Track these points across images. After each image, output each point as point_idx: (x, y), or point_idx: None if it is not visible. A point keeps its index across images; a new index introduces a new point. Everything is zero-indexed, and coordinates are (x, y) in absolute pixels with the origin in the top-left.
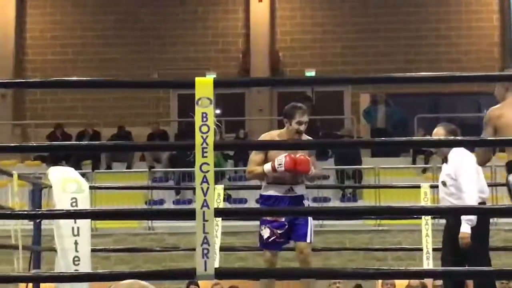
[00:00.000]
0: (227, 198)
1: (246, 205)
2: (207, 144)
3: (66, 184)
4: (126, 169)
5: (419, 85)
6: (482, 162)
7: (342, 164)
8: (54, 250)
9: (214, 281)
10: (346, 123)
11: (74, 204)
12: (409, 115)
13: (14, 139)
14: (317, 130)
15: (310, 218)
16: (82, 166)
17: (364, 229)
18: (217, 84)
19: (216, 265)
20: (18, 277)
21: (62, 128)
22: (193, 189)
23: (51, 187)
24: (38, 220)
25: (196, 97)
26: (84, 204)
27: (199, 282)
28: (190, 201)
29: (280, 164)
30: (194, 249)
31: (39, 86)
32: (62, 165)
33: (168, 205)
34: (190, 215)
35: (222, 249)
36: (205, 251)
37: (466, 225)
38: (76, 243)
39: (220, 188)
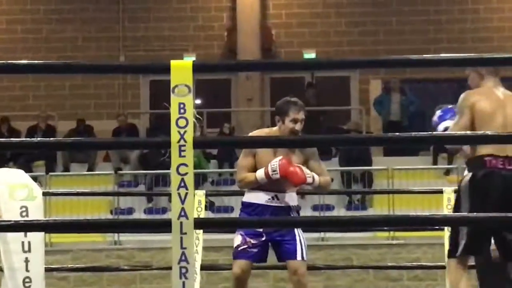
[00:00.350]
0: (210, 206)
1: (232, 215)
2: (185, 141)
3: (14, 190)
4: (87, 171)
5: (440, 69)
6: None
7: (349, 165)
8: (0, 269)
9: None
10: (353, 115)
11: (24, 214)
12: (428, 105)
13: None
14: (319, 124)
15: (298, 233)
16: (33, 168)
17: (374, 243)
18: (197, 68)
19: (197, 287)
20: None
21: (9, 122)
22: (168, 195)
23: None
24: None
25: (172, 84)
26: (36, 213)
27: None
28: (164, 210)
29: (274, 171)
30: (169, 268)
31: None
32: (9, 167)
33: (139, 215)
34: (164, 227)
35: (203, 267)
36: (183, 270)
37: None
38: (26, 260)
39: (201, 194)
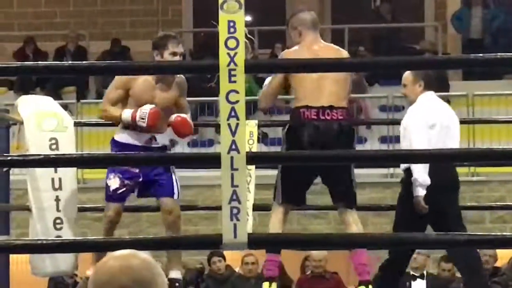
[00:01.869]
0: (262, 139)
1: None
2: (235, 65)
3: (43, 120)
4: None
5: None
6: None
7: None
8: (27, 209)
9: (246, 250)
10: (427, 34)
11: (54, 146)
12: None
13: None
14: (397, 42)
15: (173, 172)
16: (62, 94)
17: None
18: None
19: (249, 230)
20: None
21: (34, 42)
22: (216, 126)
23: (22, 123)
24: (5, 169)
25: None
26: (67, 146)
27: (225, 252)
28: (211, 143)
29: (142, 119)
30: (217, 208)
31: None
32: (37, 94)
33: (182, 148)
34: (213, 162)
35: (256, 208)
36: (235, 211)
37: (416, 188)
38: (57, 199)
39: (252, 124)
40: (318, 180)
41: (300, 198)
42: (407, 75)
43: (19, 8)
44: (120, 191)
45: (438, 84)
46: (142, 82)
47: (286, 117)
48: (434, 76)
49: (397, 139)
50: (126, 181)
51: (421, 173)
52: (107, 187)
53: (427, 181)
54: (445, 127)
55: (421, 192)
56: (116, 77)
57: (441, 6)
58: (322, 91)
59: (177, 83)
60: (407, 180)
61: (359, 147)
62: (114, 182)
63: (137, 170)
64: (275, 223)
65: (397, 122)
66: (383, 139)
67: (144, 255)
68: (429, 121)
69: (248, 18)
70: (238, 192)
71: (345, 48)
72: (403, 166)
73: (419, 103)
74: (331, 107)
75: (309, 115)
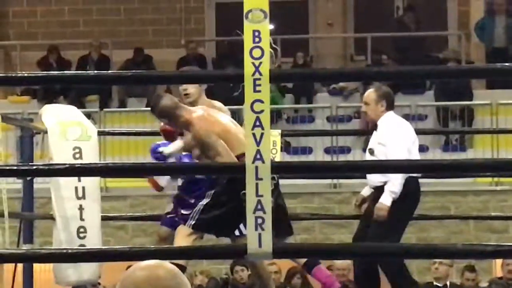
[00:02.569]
0: (285, 148)
1: (310, 157)
2: (260, 74)
3: (66, 129)
4: (146, 107)
5: None
6: None
7: (446, 99)
8: (51, 218)
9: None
10: (451, 42)
11: (77, 155)
12: None
13: None
14: (420, 51)
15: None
16: (86, 103)
17: (475, 189)
18: None
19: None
20: (3, 254)
21: (58, 51)
22: None
23: (46, 132)
24: (29, 178)
25: (245, 9)
26: (91, 155)
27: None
28: None
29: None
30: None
31: None
32: (60, 103)
33: None
34: (237, 171)
35: None
36: (260, 221)
37: (388, 197)
38: (81, 208)
39: (276, 133)
40: (341, 189)
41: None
42: (370, 94)
43: (42, 17)
44: (171, 215)
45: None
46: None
47: (310, 126)
48: (393, 98)
49: (420, 148)
50: (180, 210)
51: (399, 186)
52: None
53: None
54: (417, 142)
55: (390, 203)
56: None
57: (464, 15)
58: None
59: None
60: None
61: None
62: (169, 207)
63: (192, 201)
64: None
65: (421, 132)
66: None
67: (170, 265)
68: (411, 137)
69: (271, 27)
70: (263, 202)
71: (368, 57)
72: (382, 179)
73: (393, 121)
74: None
75: None
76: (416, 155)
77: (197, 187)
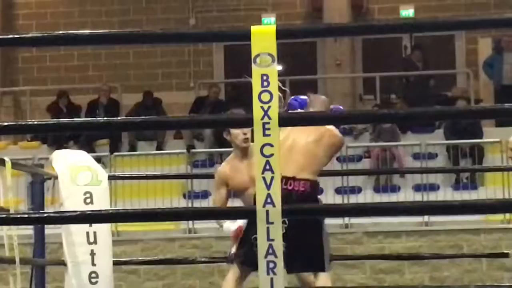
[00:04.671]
0: None
1: (322, 197)
2: (269, 118)
3: (77, 174)
4: (156, 150)
5: None
6: None
7: (456, 137)
8: (63, 263)
9: None
10: (459, 80)
11: (88, 200)
12: None
13: (2, 113)
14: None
15: None
16: (96, 147)
17: (487, 227)
18: (281, 34)
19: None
20: None
21: (68, 96)
22: None
23: (56, 177)
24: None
25: (253, 53)
26: (101, 200)
27: None
28: None
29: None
30: None
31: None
32: (70, 147)
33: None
34: (248, 215)
35: None
36: (271, 265)
37: None
38: (92, 253)
39: None
40: (353, 229)
41: None
42: None
43: (52, 62)
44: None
45: None
46: (237, 175)
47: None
48: None
49: (431, 187)
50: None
51: None
52: None
53: None
54: None
55: None
56: (216, 177)
57: (472, 52)
58: (288, 162)
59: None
60: None
61: (393, 196)
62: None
63: None
64: None
65: (431, 171)
66: (417, 187)
67: None
68: None
69: (279, 68)
70: (274, 246)
71: (377, 96)
72: None
73: None
74: (293, 178)
75: None
76: None
77: None
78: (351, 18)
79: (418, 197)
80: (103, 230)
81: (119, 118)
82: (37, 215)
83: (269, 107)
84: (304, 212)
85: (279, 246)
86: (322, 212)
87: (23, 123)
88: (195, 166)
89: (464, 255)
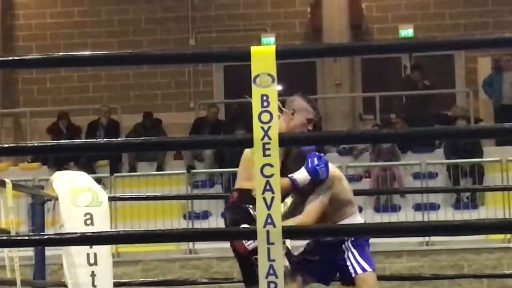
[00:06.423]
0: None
1: None
2: (269, 139)
3: (77, 195)
4: (157, 171)
5: None
6: None
7: (456, 157)
8: (63, 285)
9: None
10: (459, 99)
11: (88, 222)
12: None
13: (3, 134)
14: (428, 109)
15: None
16: (96, 168)
17: (488, 246)
18: (281, 54)
19: None
20: None
21: (68, 117)
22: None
23: (57, 199)
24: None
25: (253, 74)
26: (102, 221)
27: None
28: None
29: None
30: None
31: (34, 65)
32: (70, 168)
33: (216, 220)
34: (248, 235)
35: None
36: (272, 286)
37: None
38: (93, 275)
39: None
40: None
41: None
42: None
43: (52, 83)
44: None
45: None
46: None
47: None
48: None
49: (432, 207)
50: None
51: None
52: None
53: None
54: None
55: None
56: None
57: (471, 72)
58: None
59: None
60: None
61: (393, 216)
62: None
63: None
64: None
65: (431, 190)
66: (417, 207)
67: None
68: None
69: (279, 88)
70: (275, 266)
71: (377, 116)
72: None
73: None
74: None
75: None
76: None
77: None
78: (351, 38)
79: (418, 216)
80: (104, 251)
81: (119, 139)
82: (37, 237)
83: (269, 127)
84: (303, 233)
85: (280, 266)
86: (324, 233)
87: (24, 144)
88: (195, 186)
89: (465, 276)
